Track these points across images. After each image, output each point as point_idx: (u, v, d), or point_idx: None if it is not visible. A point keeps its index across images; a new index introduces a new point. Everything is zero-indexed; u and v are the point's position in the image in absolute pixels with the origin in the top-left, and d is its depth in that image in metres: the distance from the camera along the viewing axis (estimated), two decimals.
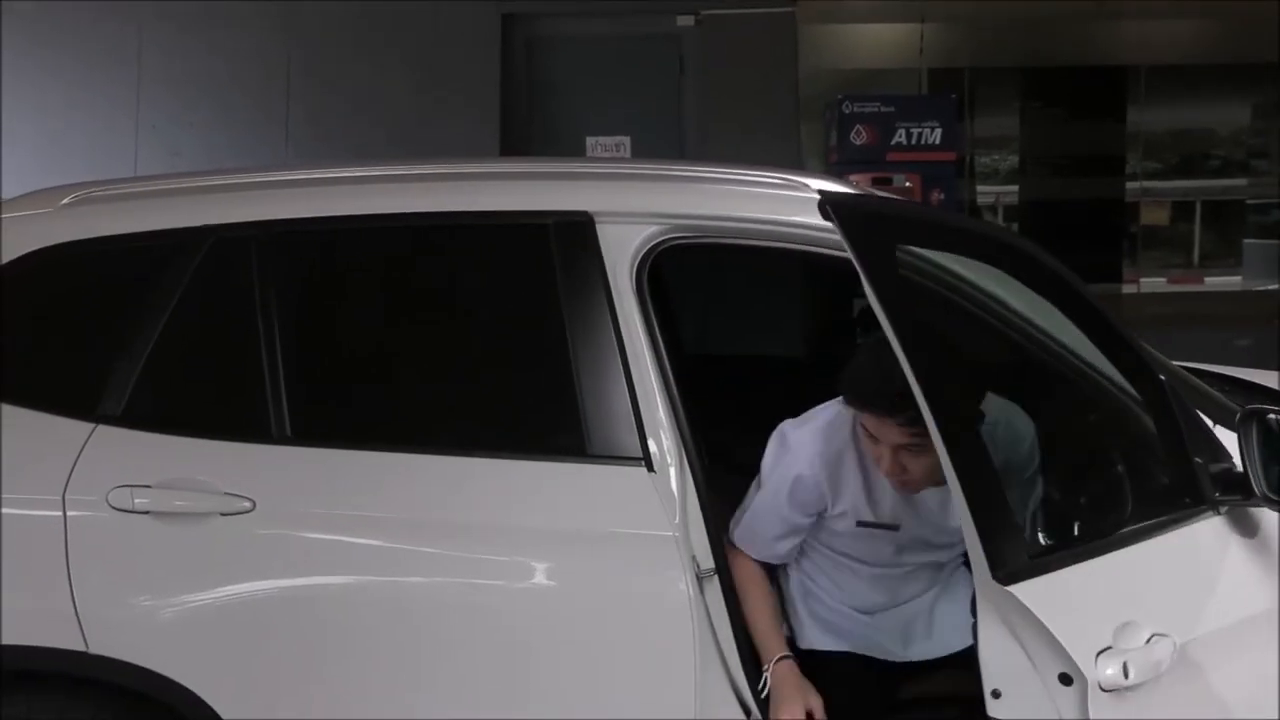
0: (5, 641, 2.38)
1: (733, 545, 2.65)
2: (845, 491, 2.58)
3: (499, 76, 7.52)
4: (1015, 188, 10.07)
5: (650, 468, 2.43)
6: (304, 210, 2.63)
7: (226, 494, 2.41)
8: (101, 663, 2.38)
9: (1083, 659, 1.98)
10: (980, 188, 9.74)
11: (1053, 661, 1.99)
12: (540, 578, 2.45)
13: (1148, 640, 2.02)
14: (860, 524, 2.61)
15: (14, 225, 2.60)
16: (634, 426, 2.45)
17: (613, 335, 2.48)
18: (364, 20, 7.54)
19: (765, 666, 2.50)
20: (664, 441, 2.46)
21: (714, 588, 2.43)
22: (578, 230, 2.52)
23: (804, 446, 2.58)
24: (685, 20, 7.62)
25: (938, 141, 7.64)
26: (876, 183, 7.01)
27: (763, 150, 7.21)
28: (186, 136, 7.76)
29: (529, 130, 7.67)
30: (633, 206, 2.57)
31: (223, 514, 2.41)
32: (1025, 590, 1.97)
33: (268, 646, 2.43)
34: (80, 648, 2.38)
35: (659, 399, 2.47)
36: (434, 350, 2.63)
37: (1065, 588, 2.01)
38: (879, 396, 2.36)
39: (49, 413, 2.47)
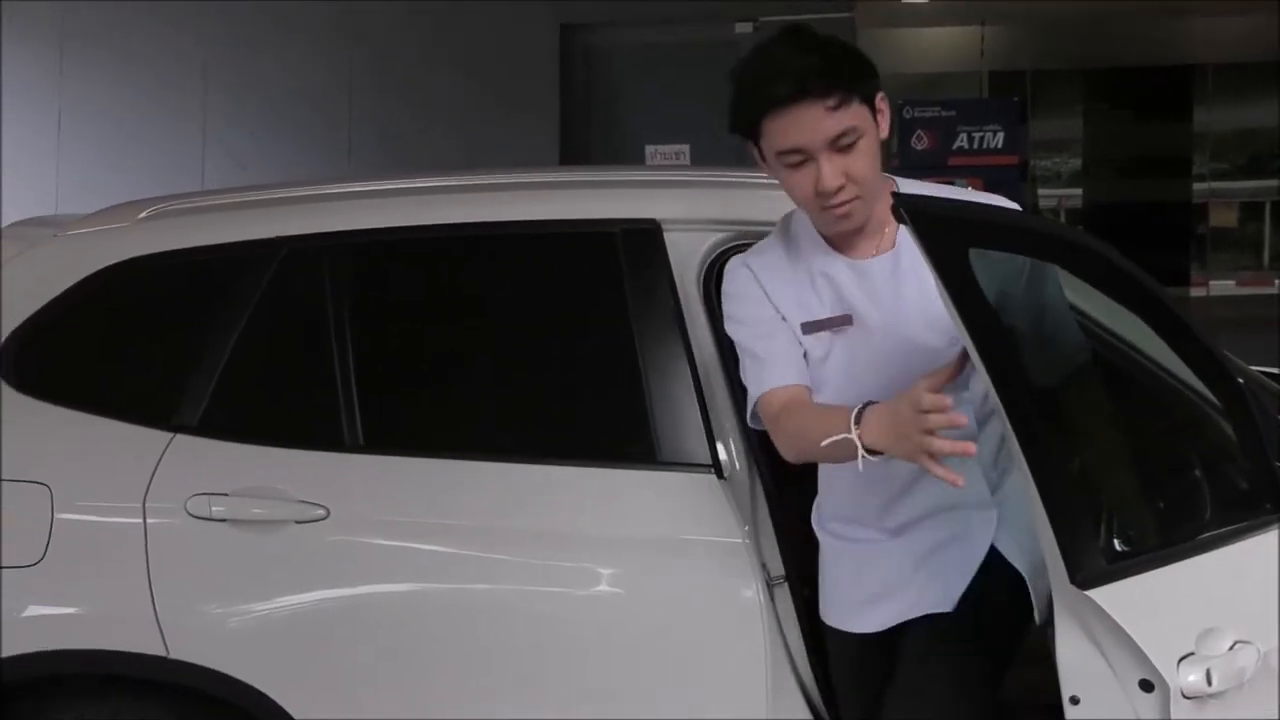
0: (92, 646, 2.43)
1: (757, 418, 2.22)
2: (783, 297, 2.21)
3: (558, 85, 7.56)
4: (1078, 191, 9.97)
5: (720, 474, 2.43)
6: (374, 221, 2.66)
7: (301, 502, 2.44)
8: (181, 667, 2.42)
9: (1164, 665, 1.95)
10: (1042, 191, 9.65)
11: (1133, 668, 1.97)
12: (610, 585, 2.46)
13: (1231, 647, 1.99)
14: (805, 326, 2.20)
15: (93, 239, 2.66)
16: (703, 433, 2.45)
17: (681, 342, 2.48)
18: (425, 31, 7.62)
19: (848, 434, 1.96)
20: (733, 448, 2.46)
21: (784, 595, 2.42)
22: (645, 238, 2.53)
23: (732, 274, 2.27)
24: (743, 27, 7.61)
25: (1000, 145, 7.58)
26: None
27: None
28: (252, 148, 7.88)
29: (588, 139, 7.70)
30: (700, 213, 2.58)
31: (297, 521, 2.44)
32: (1104, 595, 1.95)
33: (341, 652, 2.46)
34: (161, 653, 2.42)
35: (728, 406, 2.47)
36: (504, 359, 2.65)
37: (1145, 593, 1.98)
38: (786, 80, 2.07)
39: (129, 422, 2.51)
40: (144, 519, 2.45)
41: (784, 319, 2.20)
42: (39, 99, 8.21)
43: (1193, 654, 1.97)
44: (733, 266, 2.27)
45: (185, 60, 8.09)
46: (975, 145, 7.61)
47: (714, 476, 2.43)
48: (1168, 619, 1.99)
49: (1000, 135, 7.58)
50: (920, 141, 7.65)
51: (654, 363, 2.48)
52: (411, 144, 7.47)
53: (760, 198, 2.67)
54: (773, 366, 2.18)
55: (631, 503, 2.46)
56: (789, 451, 2.17)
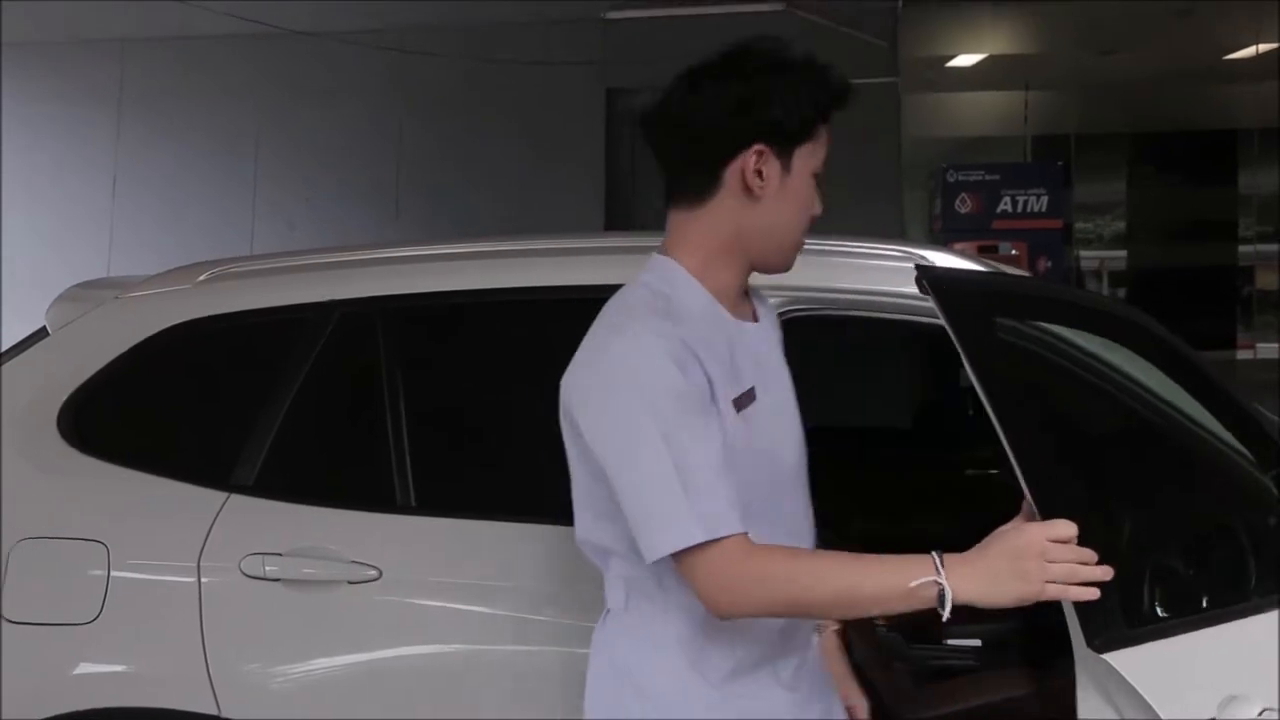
0: (144, 704, 2.45)
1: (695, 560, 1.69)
2: (714, 370, 1.77)
3: (604, 148, 7.66)
4: (1123, 253, 9.93)
5: None
6: (427, 285, 2.70)
7: (354, 562, 2.46)
8: None
9: None
10: (1084, 253, 9.63)
11: None
12: None
13: (1259, 714, 1.97)
14: (736, 402, 1.78)
15: (154, 301, 2.71)
16: None
17: None
18: (473, 95, 7.75)
19: (936, 577, 1.64)
20: None
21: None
22: None
23: (647, 326, 1.76)
24: None
25: (1044, 209, 7.59)
26: (982, 251, 6.97)
27: (865, 220, 7.20)
28: (302, 211, 8.01)
29: (633, 201, 7.78)
30: (757, 280, 2.59)
31: (350, 582, 2.46)
32: (1123, 659, 1.93)
33: (392, 713, 2.46)
34: (213, 711, 2.44)
35: None
36: (556, 422, 2.66)
37: (1166, 658, 1.96)
38: (844, 88, 1.82)
39: (186, 482, 2.54)
40: (199, 578, 2.48)
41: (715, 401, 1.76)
42: (96, 161, 8.40)
43: None
44: (646, 340, 1.75)
45: (238, 123, 8.25)
46: (1019, 209, 7.62)
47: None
48: (1190, 684, 1.97)
49: (1044, 199, 7.59)
50: (964, 205, 7.67)
51: None
52: (459, 205, 7.57)
53: (816, 264, 2.68)
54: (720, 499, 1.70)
55: None
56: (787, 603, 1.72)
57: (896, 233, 7.48)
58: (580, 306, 2.63)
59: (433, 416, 2.67)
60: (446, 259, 2.86)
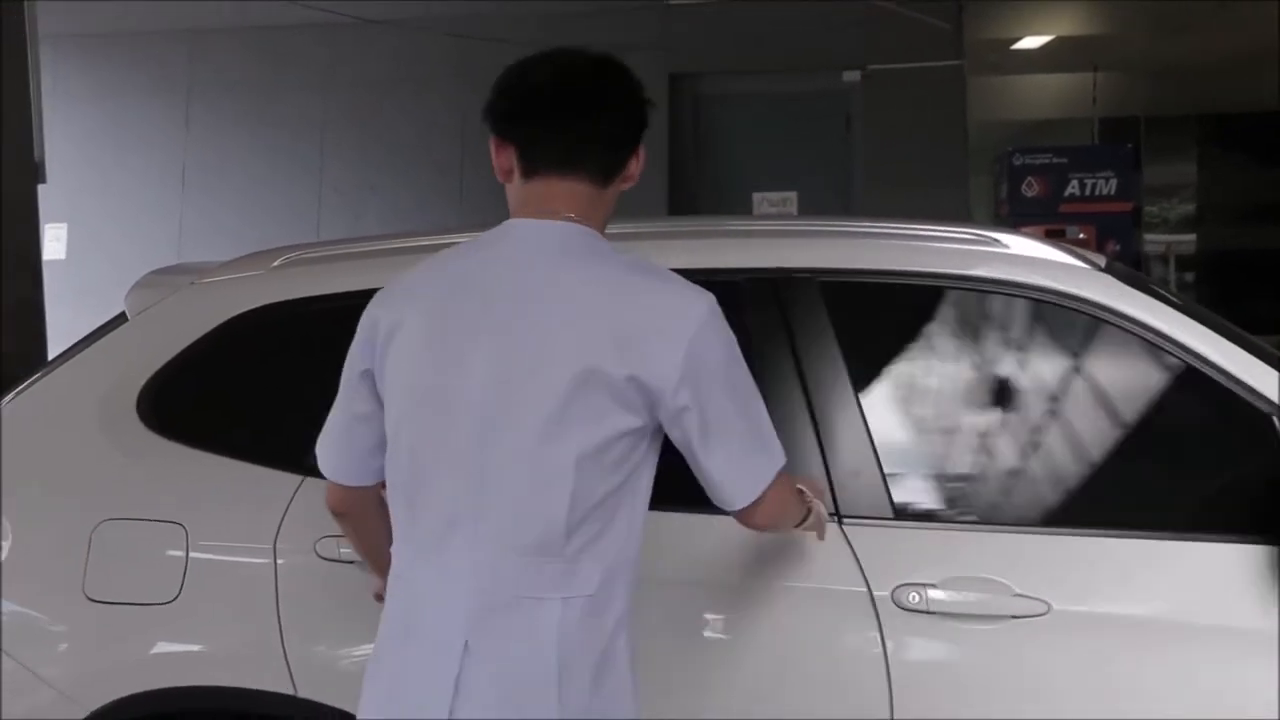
0: (221, 684, 2.49)
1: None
2: None
3: (667, 133, 7.63)
4: (1191, 237, 9.77)
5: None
6: None
7: None
8: (308, 706, 2.46)
9: None
10: (1150, 237, 9.48)
11: None
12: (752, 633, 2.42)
13: None
14: None
15: (229, 287, 2.75)
16: (881, 482, 2.43)
17: (851, 391, 2.47)
18: None
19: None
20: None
21: None
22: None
23: None
24: (851, 76, 7.63)
25: (1113, 192, 7.49)
26: (1049, 235, 6.89)
27: (931, 204, 7.17)
28: (367, 198, 8.07)
29: (696, 186, 7.76)
30: (860, 263, 2.57)
31: None
32: None
33: None
34: (289, 691, 2.46)
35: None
36: None
37: None
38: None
39: (262, 465, 2.57)
40: (274, 560, 2.51)
41: None
42: (166, 150, 8.51)
43: None
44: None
45: (305, 111, 8.32)
46: (1087, 192, 7.52)
47: (835, 525, 2.40)
48: None
49: (1113, 182, 7.49)
50: (1030, 189, 7.58)
51: (777, 413, 2.46)
52: None
53: (901, 248, 2.66)
54: None
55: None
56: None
57: (962, 217, 7.40)
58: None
59: None
60: None
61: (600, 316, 1.82)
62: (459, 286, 1.90)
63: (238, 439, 2.62)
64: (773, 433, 1.95)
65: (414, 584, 1.90)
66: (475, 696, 1.82)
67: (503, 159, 1.96)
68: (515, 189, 1.95)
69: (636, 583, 1.92)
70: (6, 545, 2.56)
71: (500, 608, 1.83)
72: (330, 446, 2.06)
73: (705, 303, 1.87)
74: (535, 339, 1.83)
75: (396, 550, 1.96)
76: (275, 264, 2.79)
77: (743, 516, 1.96)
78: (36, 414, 2.66)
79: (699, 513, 2.44)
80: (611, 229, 2.87)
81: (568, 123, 1.90)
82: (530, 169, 1.92)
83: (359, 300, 2.62)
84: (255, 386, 2.71)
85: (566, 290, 1.85)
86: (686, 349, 1.82)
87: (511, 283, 1.86)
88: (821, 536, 2.22)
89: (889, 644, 2.31)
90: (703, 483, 1.92)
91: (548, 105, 1.91)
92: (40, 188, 5.55)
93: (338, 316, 2.65)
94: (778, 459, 1.95)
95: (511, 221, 1.95)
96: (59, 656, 2.56)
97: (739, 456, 1.90)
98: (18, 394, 2.74)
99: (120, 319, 2.80)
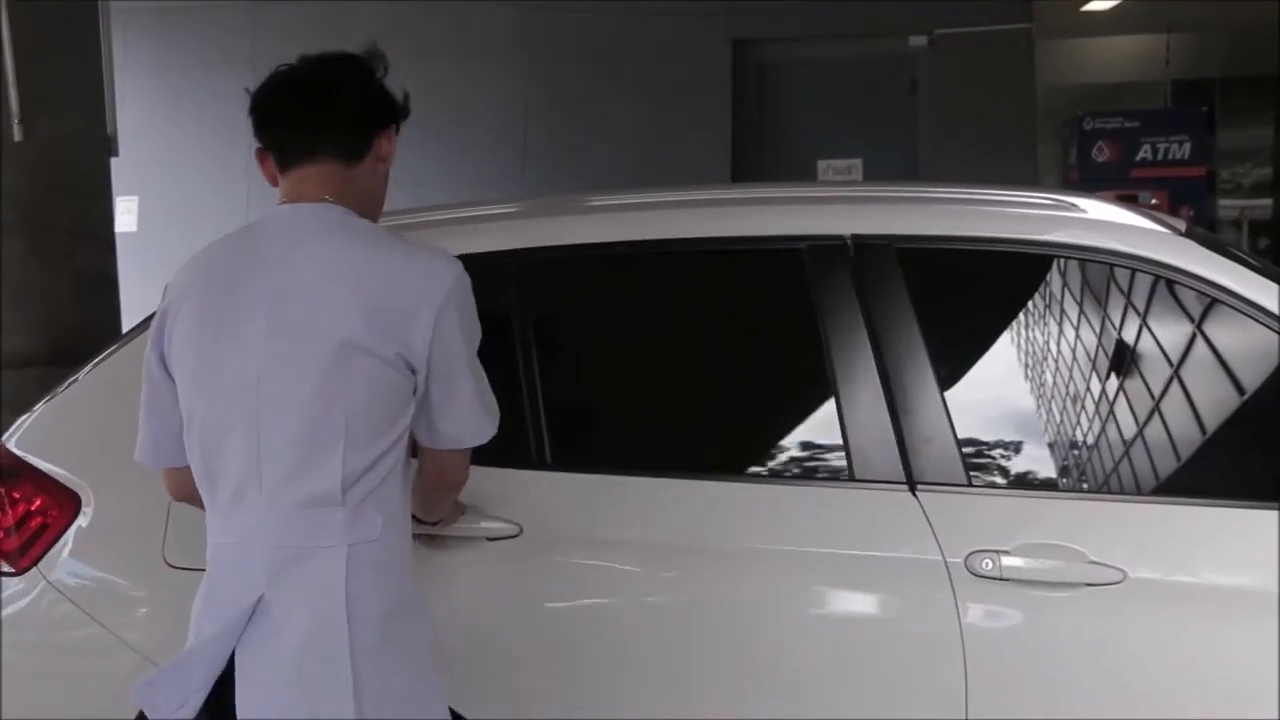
0: None
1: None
2: None
3: (730, 100, 7.58)
4: (1267, 202, 9.55)
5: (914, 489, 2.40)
6: (558, 238, 2.71)
7: (496, 519, 2.48)
8: None
9: None
10: (1225, 202, 9.29)
11: None
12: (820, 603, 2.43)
13: None
14: None
15: None
16: (896, 448, 2.41)
17: (873, 357, 2.46)
18: (599, 48, 7.73)
19: None
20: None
21: None
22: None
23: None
24: (918, 40, 7.53)
25: (1186, 156, 7.35)
26: (1121, 200, 6.78)
27: (998, 170, 7.06)
28: (430, 167, 8.10)
29: (760, 153, 7.71)
30: (937, 229, 2.56)
31: (490, 539, 2.48)
32: None
33: (530, 667, 2.48)
34: None
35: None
36: (693, 375, 2.66)
37: None
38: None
39: None
40: None
41: None
42: (231, 123, 8.57)
43: None
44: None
45: None
46: (1160, 157, 7.38)
47: (909, 492, 2.39)
48: None
49: (1187, 146, 7.34)
50: (1101, 153, 7.45)
51: (846, 378, 2.46)
52: (585, 159, 7.58)
53: (971, 214, 2.63)
54: None
55: (830, 519, 2.43)
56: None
57: (1031, 183, 7.29)
58: (721, 258, 2.63)
59: (567, 371, 2.68)
60: (577, 211, 2.88)
61: (354, 290, 1.99)
62: (231, 268, 2.08)
63: None
64: (493, 399, 2.14)
65: (219, 550, 2.06)
66: (269, 651, 1.96)
67: (267, 166, 2.16)
68: (280, 187, 2.14)
69: (407, 532, 2.11)
70: (90, 512, 2.62)
71: (293, 560, 1.98)
72: (145, 435, 2.20)
73: (451, 273, 2.05)
74: (300, 312, 2.00)
75: (206, 522, 2.09)
76: None
77: (437, 456, 2.14)
78: (116, 383, 2.71)
79: (777, 484, 2.46)
80: (681, 196, 2.88)
81: (305, 112, 2.10)
82: (284, 164, 2.11)
83: None
84: None
85: (323, 266, 2.02)
86: (435, 318, 2.00)
87: (278, 261, 2.03)
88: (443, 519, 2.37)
89: (962, 611, 2.30)
90: (427, 427, 2.09)
91: (286, 103, 2.12)
92: (112, 161, 5.63)
93: None
94: (489, 428, 2.14)
95: (273, 208, 2.13)
96: (139, 621, 2.61)
97: (468, 415, 2.09)
98: (97, 364, 2.78)
99: None
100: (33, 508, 2.62)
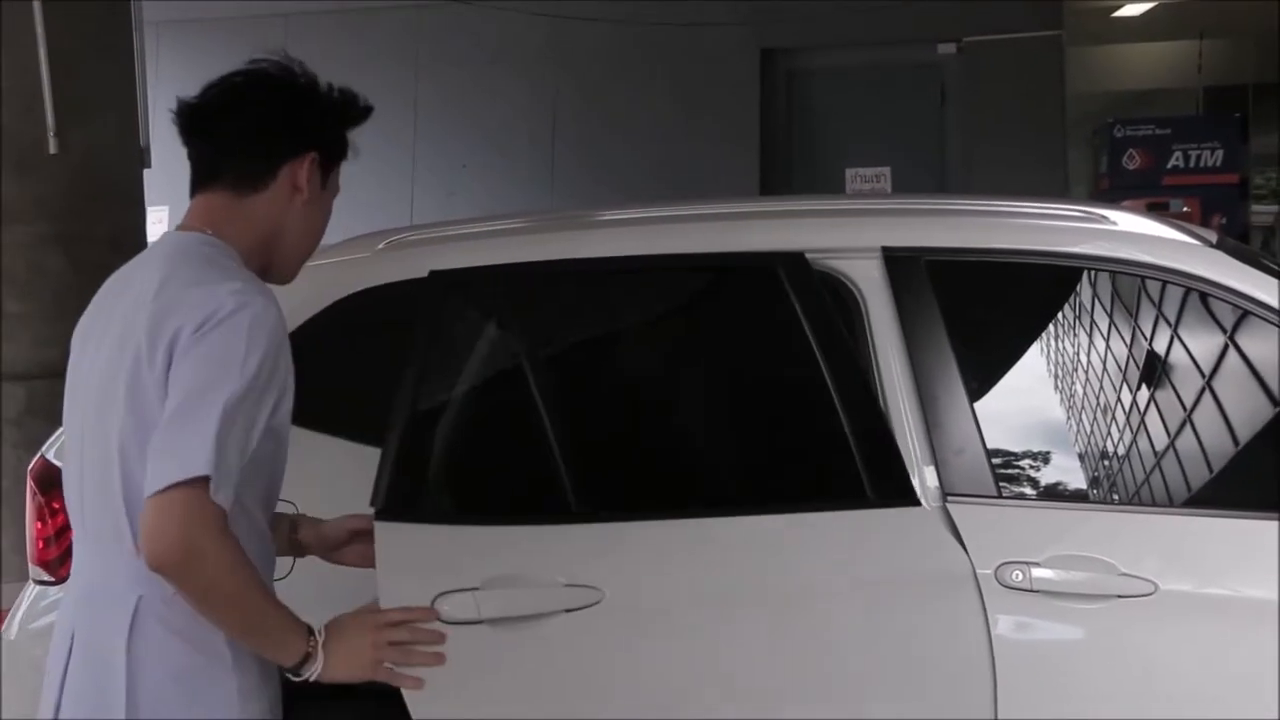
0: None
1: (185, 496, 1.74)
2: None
3: (759, 108, 7.60)
4: None
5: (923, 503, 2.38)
6: (602, 249, 2.70)
7: None
8: None
9: None
10: (1258, 208, 9.22)
11: None
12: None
13: None
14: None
15: (338, 269, 2.79)
16: (903, 466, 2.39)
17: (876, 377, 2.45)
18: (628, 57, 7.75)
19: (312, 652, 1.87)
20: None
21: None
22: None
23: (268, 295, 1.88)
24: (947, 48, 7.52)
25: (1219, 164, 7.30)
26: (1151, 208, 6.74)
27: (1028, 178, 7.04)
28: (459, 176, 8.14)
29: (788, 162, 7.71)
30: (967, 242, 2.55)
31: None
32: None
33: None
34: None
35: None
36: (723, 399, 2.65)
37: None
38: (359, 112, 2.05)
39: (365, 444, 2.61)
40: None
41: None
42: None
43: None
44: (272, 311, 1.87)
45: (398, 90, 8.40)
46: (1192, 164, 7.33)
47: (922, 507, 2.38)
48: None
49: (1219, 153, 7.29)
50: (1132, 161, 7.41)
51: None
52: (614, 169, 7.60)
53: (999, 226, 2.63)
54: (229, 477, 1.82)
55: (851, 544, 2.41)
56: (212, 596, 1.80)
57: (1060, 191, 7.26)
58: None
59: (610, 390, 2.66)
60: (584, 226, 2.89)
61: (152, 313, 1.83)
62: (108, 293, 1.99)
63: (343, 419, 2.66)
64: (203, 445, 1.74)
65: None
66: (75, 690, 1.87)
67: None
68: None
69: None
70: None
71: (92, 599, 1.88)
72: None
73: (232, 303, 1.80)
74: (120, 338, 1.86)
75: None
76: (379, 246, 2.84)
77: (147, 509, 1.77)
78: None
79: (802, 511, 2.44)
80: (708, 209, 2.88)
81: (201, 141, 1.98)
82: (190, 188, 2.00)
83: None
84: (360, 368, 2.76)
85: (151, 291, 1.86)
86: (173, 330, 1.80)
87: (134, 288, 1.91)
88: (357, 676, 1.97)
89: (992, 622, 2.30)
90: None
91: (186, 128, 2.00)
92: (144, 172, 5.69)
93: None
94: (198, 464, 1.74)
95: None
96: None
97: (167, 441, 1.76)
98: None
99: None
100: None
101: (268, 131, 1.97)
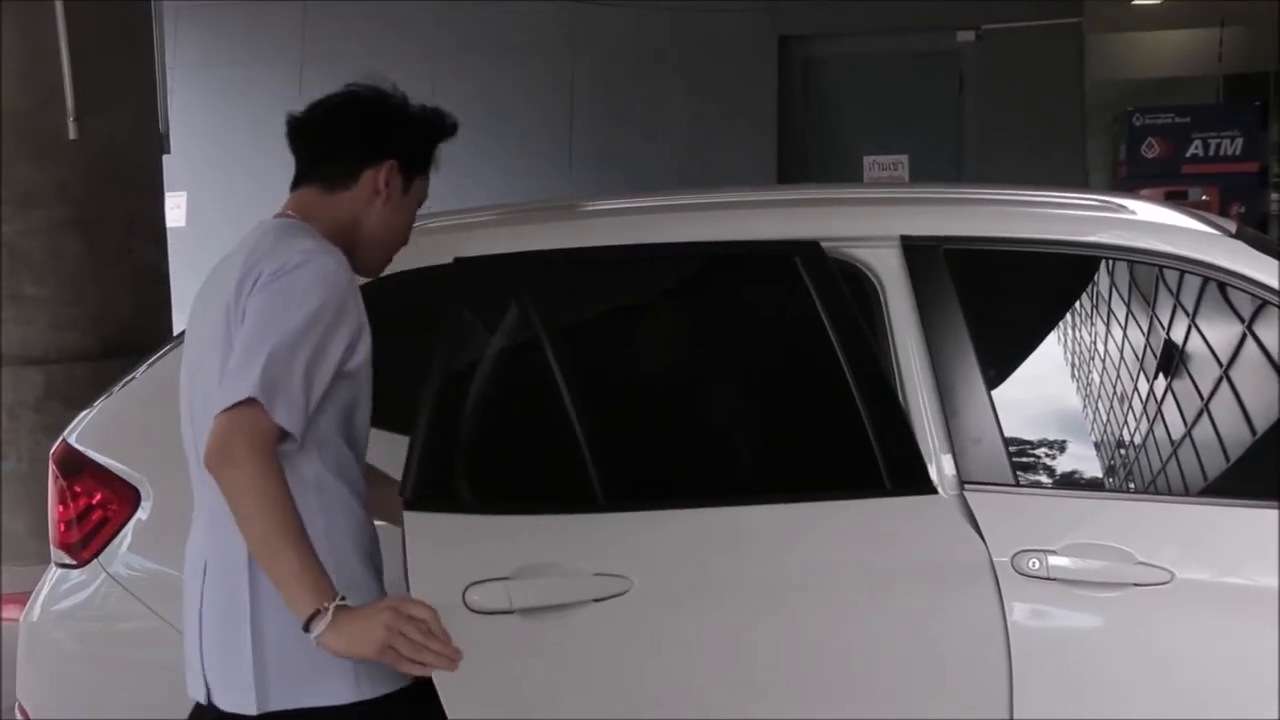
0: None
1: (238, 406, 1.99)
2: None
3: (776, 96, 7.59)
4: None
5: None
6: (630, 237, 2.69)
7: None
8: None
9: None
10: (1276, 196, 9.17)
11: None
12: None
13: None
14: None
15: None
16: (920, 454, 2.40)
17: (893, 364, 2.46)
18: (644, 46, 7.75)
19: (323, 611, 1.95)
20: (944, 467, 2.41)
21: None
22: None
23: (337, 255, 2.17)
24: (965, 35, 7.49)
25: (1238, 152, 7.26)
26: (1170, 197, 6.71)
27: (1046, 166, 7.02)
28: (476, 164, 8.14)
29: (805, 149, 7.70)
30: (986, 231, 2.56)
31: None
32: None
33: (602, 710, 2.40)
34: None
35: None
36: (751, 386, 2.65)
37: None
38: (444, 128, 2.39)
39: (392, 431, 2.62)
40: None
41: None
42: (280, 118, 8.66)
43: None
44: (336, 267, 2.14)
45: (415, 78, 8.40)
46: (1211, 152, 7.30)
47: (939, 495, 2.38)
48: None
49: (1239, 142, 7.26)
50: (1151, 149, 7.38)
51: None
52: (631, 157, 7.60)
53: (1017, 215, 2.62)
54: (295, 400, 2.06)
55: (871, 532, 2.41)
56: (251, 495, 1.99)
57: (1079, 180, 7.24)
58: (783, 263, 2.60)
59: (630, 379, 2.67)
60: (612, 214, 2.89)
61: (240, 273, 2.12)
62: (218, 268, 2.26)
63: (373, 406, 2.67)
64: (251, 372, 1.98)
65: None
66: (212, 608, 2.12)
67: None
68: None
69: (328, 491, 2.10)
70: (148, 507, 2.67)
71: (217, 524, 2.07)
72: None
73: (300, 257, 2.09)
74: (222, 295, 2.14)
75: None
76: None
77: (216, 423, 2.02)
78: (173, 380, 2.75)
79: (819, 500, 2.45)
80: (729, 197, 2.88)
81: (301, 148, 2.31)
82: (291, 185, 2.34)
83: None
84: (386, 354, 2.77)
85: (243, 257, 2.16)
86: (253, 279, 2.08)
87: (234, 258, 2.19)
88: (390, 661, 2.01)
89: (1008, 610, 2.30)
90: None
91: (290, 137, 2.32)
92: (163, 158, 5.71)
93: None
94: (245, 388, 1.98)
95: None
96: None
97: (238, 362, 2.03)
98: (154, 361, 2.83)
99: None
100: (93, 501, 2.68)
101: (351, 140, 2.27)
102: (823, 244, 2.46)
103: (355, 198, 2.27)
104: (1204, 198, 7.03)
